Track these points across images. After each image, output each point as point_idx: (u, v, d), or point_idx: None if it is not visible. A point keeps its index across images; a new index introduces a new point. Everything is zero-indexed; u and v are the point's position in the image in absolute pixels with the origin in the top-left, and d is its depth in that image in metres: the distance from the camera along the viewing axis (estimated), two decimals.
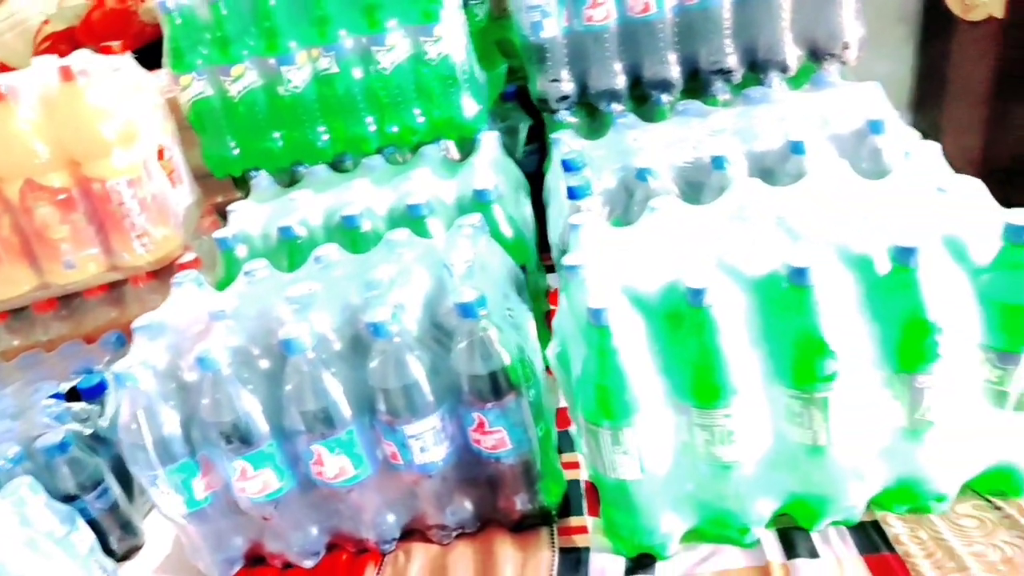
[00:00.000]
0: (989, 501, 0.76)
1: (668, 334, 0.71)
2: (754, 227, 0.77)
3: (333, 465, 0.81)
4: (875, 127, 0.90)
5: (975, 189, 0.73)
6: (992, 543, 0.72)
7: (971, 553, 0.71)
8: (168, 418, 0.82)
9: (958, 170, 0.80)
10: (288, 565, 0.90)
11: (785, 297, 0.69)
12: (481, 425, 0.79)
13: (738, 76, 1.15)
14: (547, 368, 0.81)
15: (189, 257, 1.18)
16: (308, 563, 0.90)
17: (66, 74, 1.10)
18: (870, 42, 2.36)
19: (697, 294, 0.68)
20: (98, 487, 0.94)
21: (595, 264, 0.76)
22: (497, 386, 0.77)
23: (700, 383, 0.70)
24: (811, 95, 1.03)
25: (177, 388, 0.83)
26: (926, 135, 2.55)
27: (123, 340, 1.14)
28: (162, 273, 1.21)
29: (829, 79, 1.04)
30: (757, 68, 1.14)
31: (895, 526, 0.76)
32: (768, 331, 0.70)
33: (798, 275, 0.67)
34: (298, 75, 1.18)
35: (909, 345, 0.68)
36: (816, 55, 1.13)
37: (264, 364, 0.83)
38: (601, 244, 0.81)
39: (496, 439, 0.79)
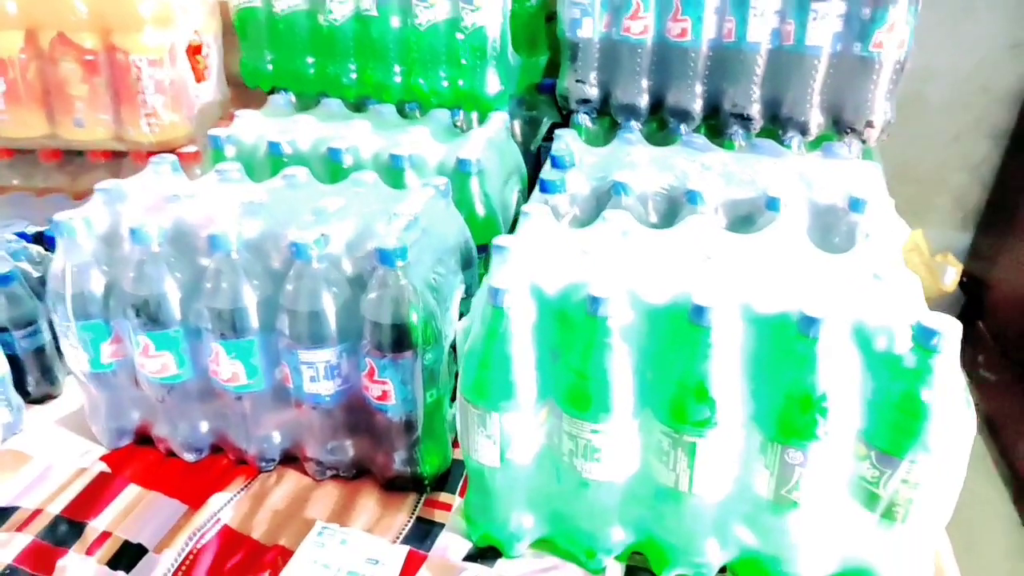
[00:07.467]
0: None
1: (562, 335, 0.71)
2: (684, 260, 0.76)
3: (227, 368, 0.83)
4: (855, 205, 0.87)
5: (911, 284, 0.71)
6: None
7: None
8: (94, 277, 0.85)
9: (993, 301, 0.74)
10: (172, 454, 0.93)
11: (681, 331, 0.68)
12: (371, 372, 0.80)
13: (757, 126, 1.13)
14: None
15: (191, 149, 1.22)
16: (189, 456, 0.92)
17: None
18: (953, 150, 2.27)
19: (595, 303, 0.67)
20: (30, 327, 0.99)
21: (523, 251, 0.76)
22: (394, 340, 0.78)
23: (577, 392, 0.70)
24: (814, 160, 1.00)
25: (110, 253, 0.86)
26: (979, 256, 2.40)
27: None
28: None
29: (839, 151, 1.02)
30: (778, 123, 1.12)
31: None
32: (656, 361, 0.69)
33: (698, 313, 0.66)
34: (340, 8, 1.21)
35: (788, 416, 0.66)
36: (838, 126, 1.10)
37: (195, 255, 0.85)
38: (543, 237, 0.81)
39: (382, 390, 0.80)
